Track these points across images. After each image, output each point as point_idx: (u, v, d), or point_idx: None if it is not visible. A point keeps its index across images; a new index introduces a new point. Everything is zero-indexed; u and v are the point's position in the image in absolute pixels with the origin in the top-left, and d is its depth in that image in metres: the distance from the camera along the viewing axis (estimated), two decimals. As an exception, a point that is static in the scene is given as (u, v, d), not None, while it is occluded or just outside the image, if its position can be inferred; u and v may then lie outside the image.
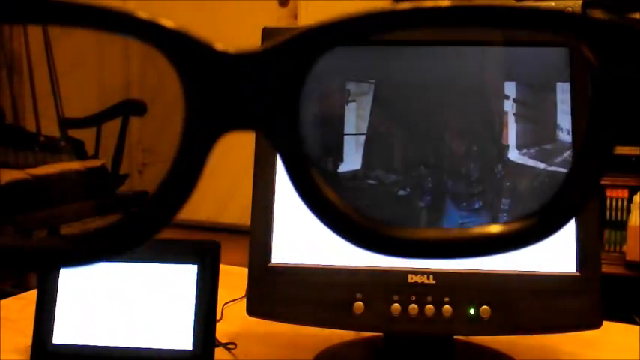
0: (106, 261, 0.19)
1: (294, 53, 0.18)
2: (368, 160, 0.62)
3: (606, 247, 2.19)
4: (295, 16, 3.29)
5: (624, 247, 2.15)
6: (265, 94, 0.18)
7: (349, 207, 0.18)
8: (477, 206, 0.62)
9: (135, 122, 3.23)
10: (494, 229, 0.19)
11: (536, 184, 0.62)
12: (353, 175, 0.62)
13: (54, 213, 2.05)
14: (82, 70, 3.10)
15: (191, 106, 0.18)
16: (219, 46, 0.18)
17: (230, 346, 0.72)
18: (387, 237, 0.19)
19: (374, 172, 0.62)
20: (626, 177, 2.13)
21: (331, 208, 0.18)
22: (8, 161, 2.18)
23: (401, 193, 0.62)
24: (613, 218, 2.19)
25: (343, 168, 0.62)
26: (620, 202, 2.18)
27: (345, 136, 0.62)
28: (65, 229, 2.29)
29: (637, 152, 2.10)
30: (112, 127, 2.35)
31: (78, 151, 2.37)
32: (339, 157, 0.62)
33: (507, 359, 0.69)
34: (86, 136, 2.43)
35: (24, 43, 2.67)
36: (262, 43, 0.62)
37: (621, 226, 2.17)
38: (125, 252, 0.18)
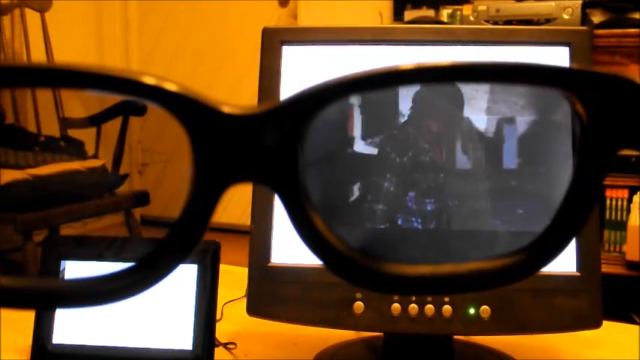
0: (117, 302, 0.20)
1: (292, 114, 0.19)
2: (366, 197, 0.62)
3: (606, 247, 2.19)
4: (295, 16, 3.29)
5: (624, 247, 2.15)
6: (268, 152, 0.19)
7: (352, 251, 0.20)
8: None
9: (135, 122, 3.23)
10: (488, 264, 0.19)
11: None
12: (353, 215, 0.62)
13: (54, 213, 2.05)
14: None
15: (199, 163, 0.19)
16: (225, 108, 0.19)
17: (230, 346, 0.72)
18: (386, 277, 0.20)
19: (374, 210, 0.62)
20: (626, 177, 2.13)
21: (334, 254, 0.20)
22: (8, 161, 2.18)
23: (406, 226, 0.62)
24: (613, 218, 2.19)
25: (342, 208, 0.63)
26: (620, 202, 2.18)
27: (344, 179, 0.62)
28: (65, 229, 2.29)
29: (637, 152, 2.10)
30: (112, 127, 2.35)
31: (78, 151, 2.37)
32: (337, 199, 0.62)
33: (507, 359, 0.69)
34: (86, 136, 2.43)
35: (24, 44, 2.68)
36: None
37: (621, 226, 2.17)
38: (131, 297, 0.20)
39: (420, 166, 0.62)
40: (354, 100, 0.62)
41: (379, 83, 0.19)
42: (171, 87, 0.19)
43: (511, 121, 0.62)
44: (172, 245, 0.19)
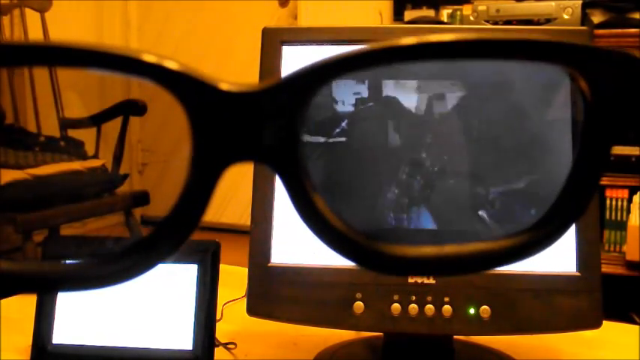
0: (114, 285, 0.20)
1: (292, 90, 0.19)
2: (369, 180, 0.62)
3: (606, 247, 2.19)
4: (295, 17, 3.29)
5: (624, 247, 2.15)
6: (267, 130, 0.19)
7: (353, 231, 0.19)
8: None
9: (135, 122, 3.23)
10: (492, 244, 0.19)
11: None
12: (354, 195, 0.62)
13: (54, 213, 2.04)
14: (82, 70, 3.10)
15: (198, 142, 0.19)
16: (223, 85, 0.19)
17: (230, 346, 0.72)
18: (389, 256, 0.19)
19: (376, 191, 0.62)
20: (626, 177, 2.13)
21: (335, 233, 0.19)
22: (8, 161, 2.18)
23: (405, 208, 0.62)
24: (613, 218, 2.19)
25: (344, 189, 0.63)
26: (620, 202, 2.18)
27: (345, 159, 0.62)
28: (65, 229, 2.29)
29: (637, 152, 2.10)
30: (112, 127, 2.35)
31: (78, 151, 2.37)
32: (339, 181, 0.63)
33: (507, 359, 0.69)
34: (86, 136, 2.43)
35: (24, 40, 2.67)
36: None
37: (621, 226, 2.17)
38: (132, 279, 0.19)
39: (423, 150, 0.62)
40: (356, 78, 0.62)
41: (380, 60, 0.19)
42: (170, 65, 0.18)
43: (512, 108, 0.62)
44: (173, 225, 0.19)
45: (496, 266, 0.20)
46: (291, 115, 0.19)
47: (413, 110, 0.62)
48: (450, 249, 0.19)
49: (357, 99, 0.62)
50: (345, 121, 0.62)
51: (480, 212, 0.62)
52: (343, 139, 0.62)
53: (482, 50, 0.19)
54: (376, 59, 0.19)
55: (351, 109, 0.62)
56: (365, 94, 0.62)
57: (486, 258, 0.19)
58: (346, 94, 0.62)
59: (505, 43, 0.18)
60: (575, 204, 0.19)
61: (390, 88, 0.62)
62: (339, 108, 0.62)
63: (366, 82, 0.62)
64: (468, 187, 0.62)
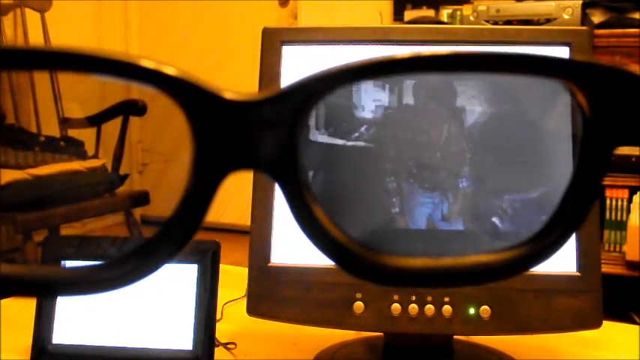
0: (115, 289, 0.20)
1: (293, 100, 0.19)
2: (369, 190, 0.62)
3: (606, 247, 2.19)
4: (295, 16, 3.29)
5: (624, 247, 2.15)
6: (268, 139, 0.19)
7: (352, 242, 0.19)
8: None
9: (135, 122, 3.22)
10: (490, 257, 0.19)
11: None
12: (354, 203, 0.63)
13: (54, 213, 2.04)
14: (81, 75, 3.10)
15: (199, 148, 0.19)
16: (224, 93, 0.19)
17: (230, 346, 0.72)
18: (387, 268, 0.19)
19: (376, 200, 0.62)
20: (626, 177, 2.13)
21: (334, 244, 0.19)
22: (8, 161, 2.18)
23: (403, 219, 0.62)
24: (613, 218, 2.19)
25: (344, 201, 0.63)
26: (620, 202, 2.18)
27: (348, 172, 0.62)
28: (65, 229, 2.29)
29: (637, 152, 2.10)
30: (112, 127, 2.35)
31: (78, 151, 2.37)
32: (340, 191, 0.63)
33: (507, 359, 0.69)
34: (86, 136, 2.42)
35: (24, 44, 2.67)
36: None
37: (621, 226, 2.17)
38: (133, 283, 0.20)
39: (420, 161, 0.62)
40: (355, 89, 0.62)
41: (379, 72, 0.19)
42: (170, 71, 0.18)
43: (511, 116, 0.62)
44: (173, 230, 0.19)
45: (495, 280, 0.20)
46: (291, 125, 0.19)
47: (412, 118, 0.62)
48: (447, 261, 0.19)
49: (357, 107, 0.62)
50: (345, 130, 0.62)
51: (482, 221, 0.62)
52: (344, 146, 0.62)
53: (480, 65, 0.19)
54: (375, 71, 0.19)
55: (351, 117, 0.62)
56: (365, 102, 0.62)
57: (485, 271, 0.19)
58: (350, 102, 0.62)
59: (504, 58, 0.18)
60: (574, 215, 0.19)
61: (391, 97, 0.62)
62: (340, 116, 0.62)
63: (369, 89, 0.62)
64: (470, 197, 0.62)
